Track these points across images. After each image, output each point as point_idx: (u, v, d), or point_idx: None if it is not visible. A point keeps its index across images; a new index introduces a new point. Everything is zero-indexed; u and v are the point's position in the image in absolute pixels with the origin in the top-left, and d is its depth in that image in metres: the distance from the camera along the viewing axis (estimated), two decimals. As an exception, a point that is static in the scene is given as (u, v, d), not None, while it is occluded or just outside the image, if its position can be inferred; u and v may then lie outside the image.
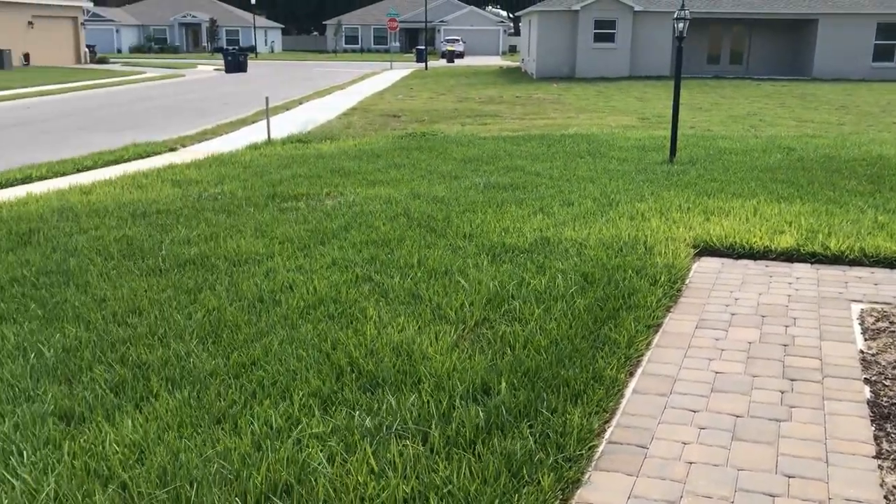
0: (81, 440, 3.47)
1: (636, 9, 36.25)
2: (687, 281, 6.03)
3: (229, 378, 4.11)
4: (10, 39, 42.24)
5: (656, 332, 4.95)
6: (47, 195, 9.46)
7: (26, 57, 43.86)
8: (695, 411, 3.88)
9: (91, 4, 54.95)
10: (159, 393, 3.95)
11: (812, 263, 6.54)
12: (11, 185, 10.71)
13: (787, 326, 5.08)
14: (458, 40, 68.31)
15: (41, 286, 5.75)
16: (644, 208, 8.16)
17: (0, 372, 4.21)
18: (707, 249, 6.85)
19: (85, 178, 11.05)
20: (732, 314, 5.31)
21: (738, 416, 3.83)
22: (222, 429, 3.58)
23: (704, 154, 12.10)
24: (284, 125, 17.61)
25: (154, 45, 74.64)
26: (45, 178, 11.20)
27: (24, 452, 3.36)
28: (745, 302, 5.56)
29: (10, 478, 3.16)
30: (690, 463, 3.39)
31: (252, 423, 3.60)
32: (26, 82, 31.39)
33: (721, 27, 38.67)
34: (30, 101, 25.18)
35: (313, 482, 3.10)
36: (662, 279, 5.74)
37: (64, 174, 11.56)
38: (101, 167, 12.24)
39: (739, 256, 6.73)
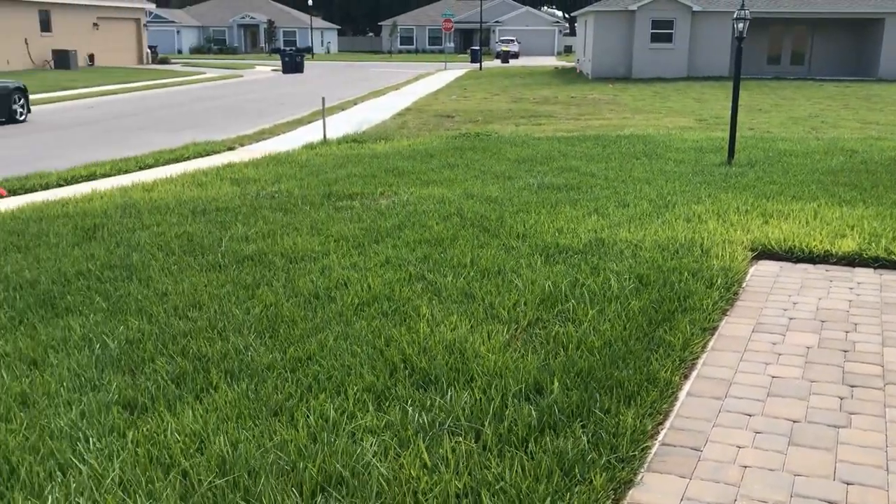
0: (144, 429, 3.58)
1: (695, 9, 35.74)
2: (744, 284, 5.95)
3: (286, 372, 4.19)
4: (76, 41, 43.49)
5: (712, 335, 4.90)
6: (111, 192, 9.73)
7: (91, 58, 45.09)
8: (750, 415, 3.83)
9: (153, 6, 56.25)
10: (219, 385, 4.05)
11: (875, 268, 6.39)
12: (77, 181, 11.04)
13: (847, 332, 4.98)
14: (512, 41, 68.14)
15: (105, 280, 5.92)
16: (701, 210, 8.06)
17: (67, 362, 4.36)
18: (765, 253, 6.74)
19: (147, 175, 11.33)
20: (790, 318, 5.22)
21: (795, 421, 3.77)
22: (279, 421, 3.65)
23: (763, 156, 11.89)
24: (340, 125, 17.81)
25: (213, 45, 76.07)
26: (109, 176, 11.52)
27: (91, 439, 3.48)
28: (803, 306, 5.46)
29: (77, 463, 3.28)
30: (745, 467, 3.35)
31: (308, 416, 3.67)
32: (90, 82, 32.28)
33: (782, 27, 37.90)
34: (93, 100, 25.89)
35: (366, 475, 3.15)
36: (719, 282, 5.67)
37: (127, 172, 11.88)
38: (163, 165, 12.54)
39: (798, 260, 6.61)
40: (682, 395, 4.06)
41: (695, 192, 9.06)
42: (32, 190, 10.40)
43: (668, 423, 3.74)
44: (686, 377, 4.28)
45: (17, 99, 19.04)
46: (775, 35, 38.10)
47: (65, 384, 4.08)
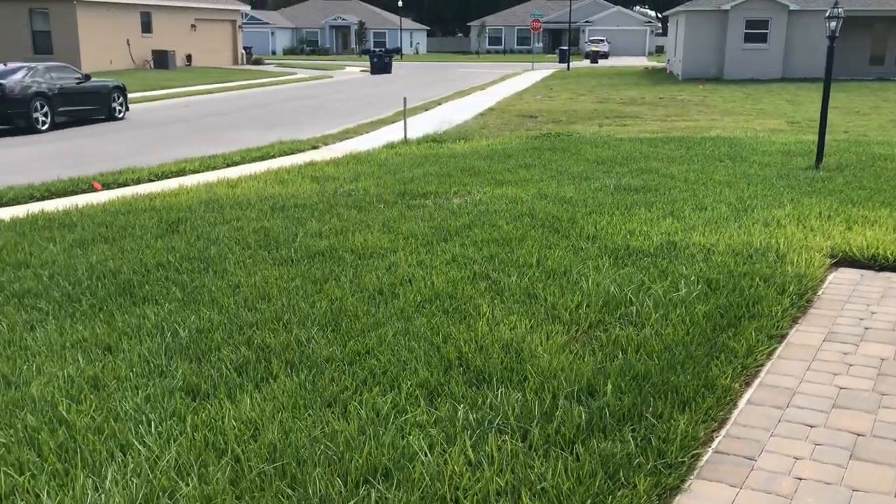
0: (203, 414, 3.71)
1: (791, 7, 34.58)
2: (819, 292, 5.74)
3: (344, 365, 4.27)
4: (175, 41, 45.13)
5: (780, 342, 4.76)
6: (197, 187, 10.09)
7: (188, 58, 46.70)
8: (812, 426, 3.71)
9: (248, 8, 57.87)
10: (278, 375, 4.16)
11: (964, 279, 6.07)
12: (167, 177, 11.48)
13: (926, 344, 4.76)
14: (602, 41, 67.35)
15: (183, 271, 6.15)
16: (781, 215, 7.82)
17: (139, 348, 4.56)
18: (846, 260, 6.49)
19: (232, 172, 11.69)
20: (866, 328, 5.02)
21: (859, 435, 3.63)
22: (332, 412, 3.74)
23: (855, 160, 11.43)
24: (422, 125, 17.97)
25: (306, 46, 77.77)
26: (197, 172, 11.93)
27: (152, 423, 3.63)
28: (882, 316, 5.24)
29: (136, 444, 3.43)
30: (800, 479, 3.25)
31: (360, 408, 3.74)
32: (186, 82, 33.46)
33: (886, 26, 36.26)
34: (189, 99, 26.83)
35: (411, 468, 3.19)
36: (791, 288, 5.49)
37: (214, 168, 12.28)
38: (249, 163, 12.91)
39: (881, 269, 6.34)
40: (741, 402, 3.96)
41: (777, 197, 8.79)
42: (124, 184, 10.87)
43: (723, 431, 3.66)
44: (748, 385, 4.17)
45: (116, 97, 19.91)
46: (879, 34, 36.48)
47: (134, 369, 4.26)
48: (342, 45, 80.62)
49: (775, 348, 4.66)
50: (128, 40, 41.77)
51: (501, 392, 3.89)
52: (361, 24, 77.21)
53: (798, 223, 7.49)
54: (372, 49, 52.04)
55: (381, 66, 44.30)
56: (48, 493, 3.08)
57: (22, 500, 3.07)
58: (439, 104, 24.44)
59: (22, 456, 3.36)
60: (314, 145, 14.89)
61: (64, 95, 18.21)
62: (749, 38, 35.38)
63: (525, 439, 3.46)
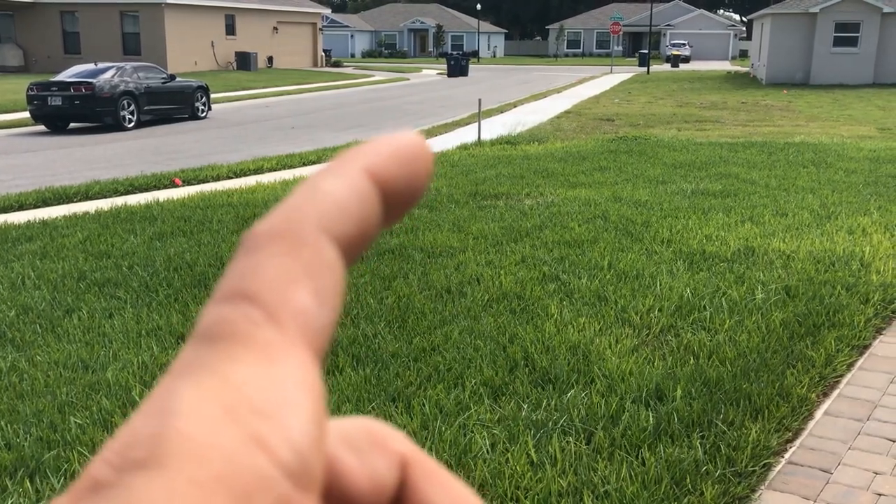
0: (270, 404, 3.75)
1: (885, 10, 33.28)
2: (906, 302, 5.49)
3: (409, 360, 4.28)
4: (257, 44, 46.19)
5: (861, 353, 4.56)
6: (273, 185, 10.28)
7: (270, 60, 47.75)
8: (893, 441, 3.54)
9: (329, 11, 58.84)
10: (344, 368, 4.19)
11: None
12: (245, 174, 11.73)
13: None
14: (684, 44, 66.14)
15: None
16: (866, 223, 7.52)
17: (211, 338, 4.65)
18: (936, 270, 6.19)
19: (308, 171, 11.87)
20: (956, 341, 4.77)
21: (945, 452, 3.45)
22: (396, 407, 3.74)
23: (949, 168, 10.92)
24: (496, 127, 17.93)
25: (384, 49, 78.63)
26: (275, 170, 12.16)
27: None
28: (974, 329, 4.98)
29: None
30: (879, 495, 3.10)
31: (424, 404, 3.74)
32: (267, 83, 34.20)
33: None
34: (269, 100, 27.41)
35: (472, 466, 3.17)
36: (875, 298, 5.27)
37: (291, 167, 12.50)
38: (325, 162, 13.02)
39: (975, 280, 6.02)
40: (818, 413, 3.81)
41: (863, 204, 8.45)
42: (204, 181, 11.15)
43: (798, 442, 3.52)
44: (826, 395, 4.01)
45: (199, 97, 20.47)
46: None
47: (205, 358, 4.35)
48: (420, 49, 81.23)
49: (856, 359, 4.48)
50: (212, 42, 42.95)
51: (567, 393, 3.83)
52: (439, 27, 77.65)
53: (885, 231, 7.19)
54: (449, 52, 52.35)
55: (457, 68, 44.43)
56: (118, 474, 3.16)
57: (93, 479, 3.16)
58: (514, 107, 24.36)
59: (96, 437, 3.47)
60: (389, 146, 14.99)
61: (150, 94, 18.81)
62: (838, 42, 34.21)
63: (589, 441, 3.40)
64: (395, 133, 0.26)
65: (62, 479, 3.17)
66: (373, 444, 0.24)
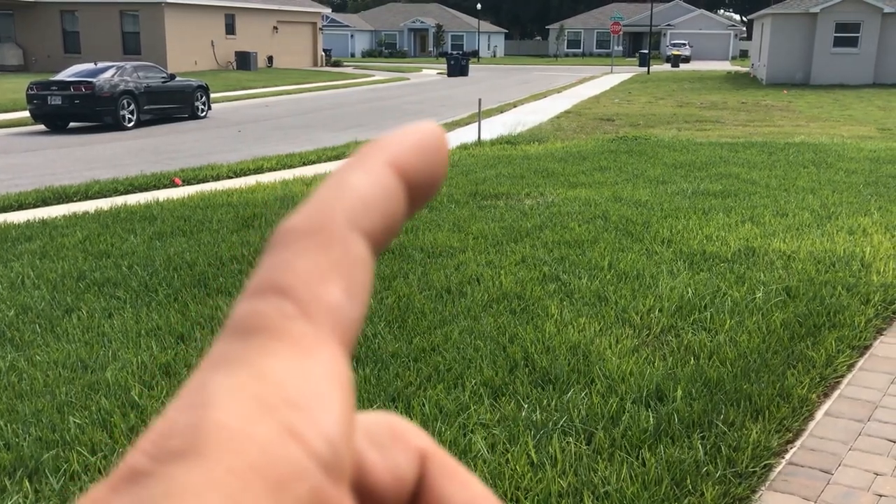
0: (269, 405, 3.75)
1: (885, 10, 33.27)
2: (907, 303, 5.48)
3: (409, 361, 4.27)
4: (257, 43, 46.17)
5: (862, 354, 4.56)
6: (273, 185, 10.27)
7: (270, 59, 47.72)
8: (894, 442, 3.53)
9: (329, 10, 58.81)
10: (344, 369, 4.18)
11: None
12: (245, 174, 11.72)
13: None
14: (684, 44, 66.12)
15: (256, 264, 6.23)
16: (867, 223, 7.51)
17: (211, 338, 4.65)
18: (936, 270, 6.18)
19: (308, 170, 11.87)
20: (957, 342, 4.77)
21: (946, 453, 3.44)
22: (395, 407, 3.73)
23: (949, 168, 10.91)
24: (496, 127, 17.92)
25: (384, 49, 78.60)
26: (274, 170, 12.14)
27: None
28: (974, 330, 4.97)
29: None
30: (880, 496, 3.10)
31: (424, 404, 3.73)
32: (267, 83, 34.18)
33: None
34: (269, 100, 27.40)
35: (472, 466, 3.16)
36: (876, 298, 5.26)
37: (291, 167, 12.48)
38: (324, 162, 13.09)
39: (976, 280, 6.02)
40: (818, 414, 3.80)
41: (863, 204, 8.45)
42: (204, 180, 11.14)
43: (798, 442, 3.51)
44: (826, 396, 4.00)
45: (199, 97, 20.46)
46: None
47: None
48: (420, 48, 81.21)
49: (857, 360, 4.47)
50: (212, 41, 42.93)
51: (568, 394, 3.82)
52: (439, 27, 77.63)
53: (886, 231, 7.18)
54: (449, 52, 52.29)
55: (457, 68, 44.42)
56: (117, 474, 3.15)
57: (93, 479, 3.15)
58: (515, 106, 24.35)
59: (95, 437, 3.46)
60: (389, 145, 14.99)
61: (150, 94, 18.80)
62: (838, 42, 34.20)
63: (590, 442, 3.39)
64: (415, 125, 0.26)
65: (61, 480, 3.16)
66: (394, 440, 0.24)
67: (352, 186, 0.24)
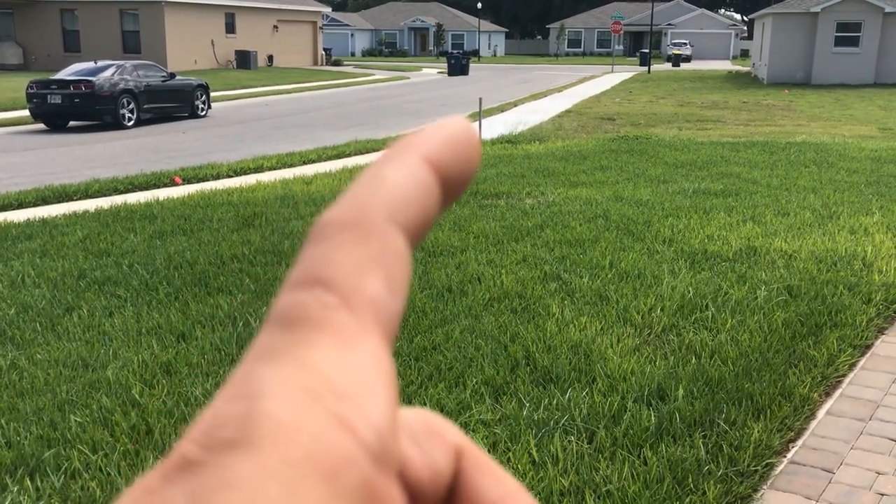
0: (270, 403, 3.74)
1: (887, 10, 33.25)
2: (908, 302, 5.48)
3: (410, 360, 4.26)
4: (257, 42, 46.15)
5: (863, 353, 4.55)
6: (273, 184, 10.27)
7: (270, 58, 47.70)
8: (896, 441, 3.53)
9: (329, 10, 58.79)
10: (344, 368, 4.18)
11: None
12: (245, 173, 11.72)
13: None
14: (685, 44, 66.09)
15: (257, 263, 6.25)
16: (869, 223, 7.51)
17: (211, 337, 4.64)
18: (938, 270, 6.18)
19: (308, 169, 11.86)
20: (958, 341, 4.76)
21: (948, 452, 3.44)
22: (396, 406, 3.72)
23: (950, 167, 10.91)
24: (497, 126, 17.92)
25: (385, 48, 78.58)
26: (275, 169, 12.14)
27: (221, 409, 3.68)
28: (976, 329, 4.96)
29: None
30: (882, 495, 3.09)
31: (425, 403, 3.72)
32: (267, 82, 34.18)
33: None
34: (269, 99, 27.40)
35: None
36: (878, 298, 5.26)
37: (291, 166, 12.48)
38: (324, 161, 13.08)
39: (977, 280, 6.01)
40: (820, 413, 3.80)
41: (865, 204, 8.44)
42: (204, 179, 11.14)
43: (800, 441, 3.51)
44: (828, 395, 4.00)
45: (199, 95, 20.45)
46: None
47: (206, 357, 4.34)
48: (420, 47, 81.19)
49: (858, 359, 4.46)
50: (212, 40, 42.92)
51: (569, 393, 3.82)
52: (440, 26, 77.61)
53: (888, 231, 7.17)
54: (449, 51, 52.27)
55: (458, 67, 44.40)
56: (119, 471, 3.15)
57: (94, 477, 3.14)
58: (515, 106, 24.35)
59: (96, 435, 3.45)
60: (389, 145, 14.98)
61: (149, 93, 18.79)
62: (840, 42, 34.19)
63: (591, 441, 3.39)
64: (446, 119, 0.27)
65: (62, 478, 3.16)
66: (431, 435, 0.25)
67: (389, 181, 0.24)
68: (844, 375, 4.23)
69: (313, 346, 0.21)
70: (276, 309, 0.23)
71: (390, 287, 0.23)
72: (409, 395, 3.83)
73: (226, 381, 0.21)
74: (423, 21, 79.38)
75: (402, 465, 0.23)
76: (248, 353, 0.22)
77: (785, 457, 3.36)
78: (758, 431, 3.42)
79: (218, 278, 5.84)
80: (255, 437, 0.19)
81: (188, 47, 40.59)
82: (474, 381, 3.96)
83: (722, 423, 3.50)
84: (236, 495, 0.18)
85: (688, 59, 62.72)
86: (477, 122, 16.28)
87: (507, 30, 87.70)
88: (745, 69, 48.76)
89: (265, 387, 0.20)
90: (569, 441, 3.35)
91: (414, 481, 0.23)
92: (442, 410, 3.65)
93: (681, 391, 3.80)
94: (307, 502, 0.19)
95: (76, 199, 9.53)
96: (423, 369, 4.13)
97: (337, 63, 55.25)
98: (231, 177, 11.41)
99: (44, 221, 7.92)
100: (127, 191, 10.20)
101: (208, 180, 11.09)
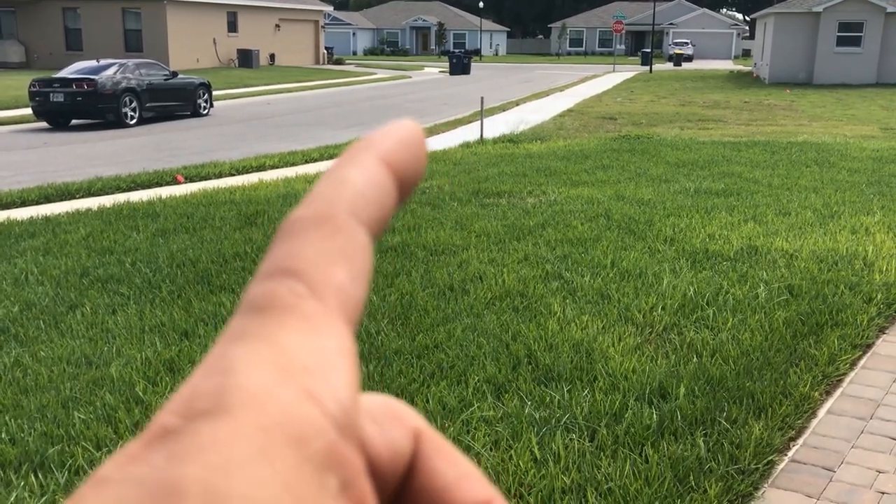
0: (273, 401, 3.76)
1: (889, 10, 33.23)
2: (909, 302, 5.49)
3: (412, 358, 4.28)
4: (259, 41, 46.16)
5: (864, 352, 4.57)
6: (275, 182, 10.28)
7: (272, 57, 47.70)
8: (897, 440, 3.54)
9: (331, 8, 58.78)
10: (347, 366, 4.19)
11: None
12: (247, 171, 11.73)
13: None
14: (686, 43, 66.10)
15: (259, 262, 6.24)
16: (870, 222, 7.52)
17: (214, 334, 4.66)
18: (939, 270, 6.18)
19: (310, 168, 11.89)
20: (959, 341, 4.77)
21: (948, 451, 3.45)
22: (399, 404, 3.74)
23: (952, 167, 10.91)
24: (498, 125, 17.93)
25: (386, 47, 78.59)
26: (277, 167, 12.16)
27: (224, 406, 3.70)
28: (977, 329, 4.98)
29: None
30: (882, 493, 3.11)
31: (427, 401, 3.74)
32: (269, 81, 34.20)
33: None
34: (271, 97, 27.41)
35: (475, 462, 3.16)
36: (878, 297, 5.27)
37: (293, 164, 12.50)
38: (327, 159, 13.09)
39: (978, 280, 6.02)
40: (821, 412, 3.81)
41: (866, 204, 8.45)
42: (206, 178, 11.15)
43: (801, 440, 3.52)
44: (828, 394, 4.01)
45: (201, 94, 20.47)
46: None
47: (209, 354, 4.36)
48: (422, 46, 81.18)
49: (859, 358, 4.48)
50: (214, 39, 42.93)
51: (570, 391, 3.83)
52: (441, 25, 77.60)
53: (889, 231, 7.18)
54: (451, 50, 52.25)
55: (459, 66, 44.40)
56: (122, 469, 3.16)
57: (97, 474, 3.16)
58: (517, 105, 24.36)
59: (100, 432, 3.47)
60: (391, 143, 14.99)
61: (152, 91, 18.81)
62: (841, 42, 34.17)
63: (593, 439, 3.40)
64: (396, 123, 0.29)
65: (66, 474, 3.18)
66: (391, 418, 0.27)
67: (350, 181, 0.26)
68: (845, 374, 4.24)
69: (284, 328, 0.23)
70: (248, 297, 0.24)
71: (354, 277, 0.25)
72: (411, 392, 3.85)
73: (202, 360, 0.23)
74: (424, 20, 79.37)
75: (362, 442, 0.25)
76: (222, 336, 0.24)
77: (786, 455, 3.38)
78: (759, 430, 3.44)
79: (220, 276, 5.86)
80: (230, 406, 0.21)
81: (190, 46, 40.60)
82: (476, 379, 3.98)
83: (723, 422, 3.52)
84: (212, 456, 0.20)
85: (689, 58, 62.70)
86: (478, 122, 16.30)
87: (508, 29, 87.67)
88: (747, 69, 48.74)
89: (238, 363, 0.22)
90: (570, 439, 3.37)
91: (374, 457, 0.25)
92: (444, 408, 3.67)
93: (682, 390, 3.81)
94: (277, 464, 0.20)
95: (79, 198, 9.55)
96: (425, 367, 4.15)
97: (339, 62, 55.25)
98: (233, 175, 11.43)
99: (47, 219, 7.94)
100: (129, 189, 10.22)
101: (211, 179, 11.10)
